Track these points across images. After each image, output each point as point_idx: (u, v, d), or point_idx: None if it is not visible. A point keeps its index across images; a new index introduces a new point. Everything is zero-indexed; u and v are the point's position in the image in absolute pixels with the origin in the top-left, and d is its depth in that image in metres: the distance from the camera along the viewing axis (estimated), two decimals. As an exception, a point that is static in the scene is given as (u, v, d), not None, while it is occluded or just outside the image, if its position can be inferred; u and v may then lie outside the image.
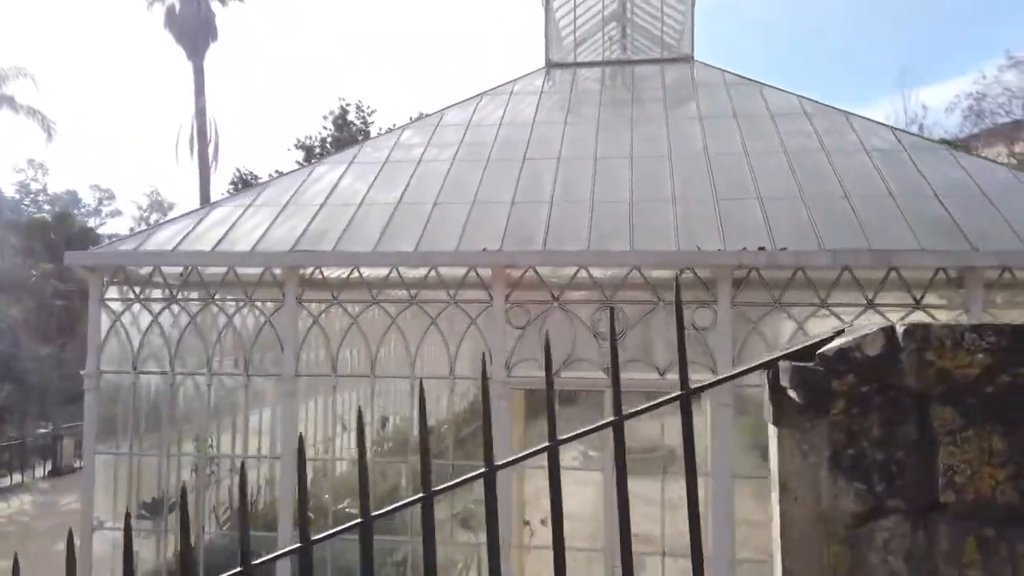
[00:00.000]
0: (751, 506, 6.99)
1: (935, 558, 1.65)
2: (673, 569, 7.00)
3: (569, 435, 1.86)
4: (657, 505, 7.27)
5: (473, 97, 10.58)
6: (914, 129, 23.16)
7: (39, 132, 31.24)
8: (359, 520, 1.62)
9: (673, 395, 1.85)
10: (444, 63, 74.59)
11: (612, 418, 1.87)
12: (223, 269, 7.53)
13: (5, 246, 31.96)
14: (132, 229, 56.69)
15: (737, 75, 10.25)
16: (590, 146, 8.90)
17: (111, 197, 56.81)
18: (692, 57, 11.04)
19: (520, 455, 1.87)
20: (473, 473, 1.76)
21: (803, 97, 9.43)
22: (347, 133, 29.27)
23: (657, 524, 7.25)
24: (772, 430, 1.89)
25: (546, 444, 1.77)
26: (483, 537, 7.44)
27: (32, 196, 51.53)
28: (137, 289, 7.73)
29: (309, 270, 7.49)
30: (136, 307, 7.74)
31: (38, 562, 10.65)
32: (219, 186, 34.55)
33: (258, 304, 7.52)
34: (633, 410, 1.91)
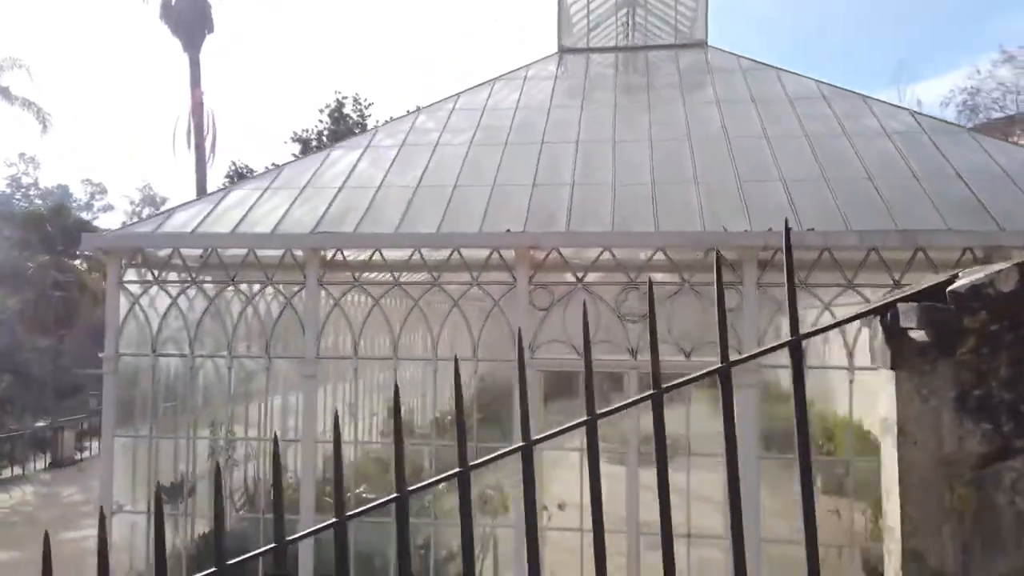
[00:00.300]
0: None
1: (1065, 498, 1.63)
2: (695, 551, 7.00)
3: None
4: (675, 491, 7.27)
5: (487, 82, 10.52)
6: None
7: (34, 124, 31.01)
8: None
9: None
10: (442, 62, 74.38)
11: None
12: (243, 251, 7.47)
13: (1, 238, 31.77)
14: (124, 224, 56.39)
15: (753, 60, 10.23)
16: (607, 130, 8.86)
17: (103, 192, 56.47)
18: (706, 43, 11.01)
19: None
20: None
21: (820, 82, 9.41)
22: (343, 126, 29.10)
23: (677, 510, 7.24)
24: (886, 375, 1.87)
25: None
26: (498, 520, 7.42)
27: (23, 191, 51.19)
28: (155, 272, 7.65)
29: (330, 252, 7.43)
30: (153, 290, 7.68)
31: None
32: (215, 180, 34.37)
33: (278, 286, 7.46)
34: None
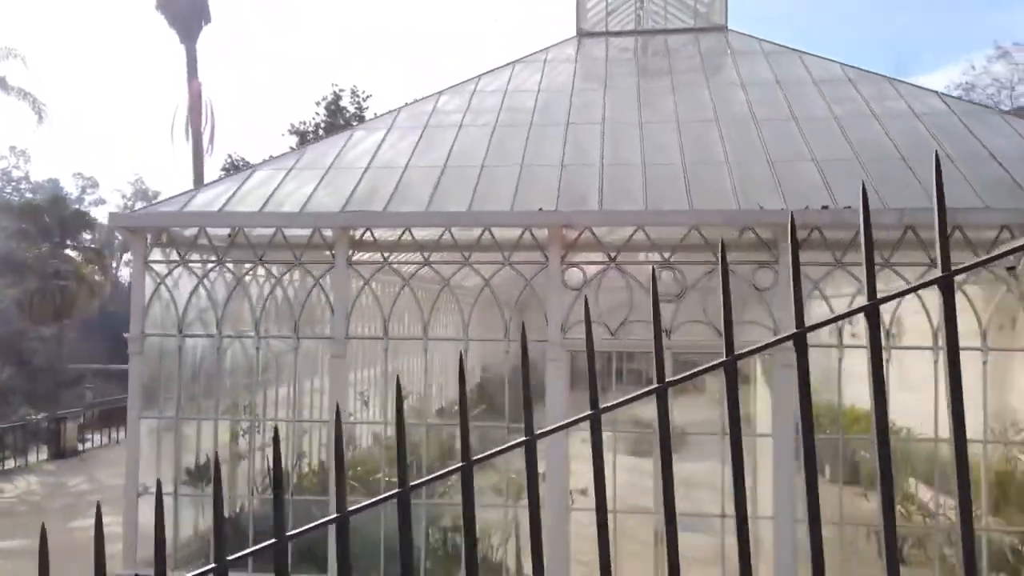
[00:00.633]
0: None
1: None
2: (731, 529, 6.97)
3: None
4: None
5: (506, 65, 10.45)
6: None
7: (30, 115, 30.73)
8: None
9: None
10: (442, 61, 74.03)
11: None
12: (270, 231, 7.39)
13: (-1, 229, 31.47)
14: (127, 207, 55.98)
15: (774, 44, 10.18)
16: (632, 112, 8.80)
17: (94, 185, 56.08)
18: (726, 26, 10.95)
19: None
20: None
21: (844, 64, 9.37)
22: (341, 119, 28.76)
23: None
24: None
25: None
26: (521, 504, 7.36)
27: (14, 184, 50.83)
28: (180, 252, 7.56)
29: (359, 232, 7.36)
30: (177, 271, 7.58)
31: (55, 539, 10.48)
32: (211, 172, 34.13)
33: (307, 266, 7.38)
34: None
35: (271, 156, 22.42)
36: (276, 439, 1.38)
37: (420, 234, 7.28)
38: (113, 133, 77.33)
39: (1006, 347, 6.88)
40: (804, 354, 1.56)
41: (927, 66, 62.48)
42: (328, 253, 7.36)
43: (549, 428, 1.55)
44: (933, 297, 6.89)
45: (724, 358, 1.53)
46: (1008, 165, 7.07)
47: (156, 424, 7.55)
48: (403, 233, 7.30)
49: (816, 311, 6.80)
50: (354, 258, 7.37)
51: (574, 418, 1.53)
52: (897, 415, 7.07)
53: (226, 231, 7.46)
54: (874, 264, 1.69)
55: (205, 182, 30.59)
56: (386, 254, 7.35)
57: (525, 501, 6.57)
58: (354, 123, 26.88)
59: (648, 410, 8.01)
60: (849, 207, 6.57)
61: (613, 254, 7.03)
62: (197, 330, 7.51)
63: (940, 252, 1.83)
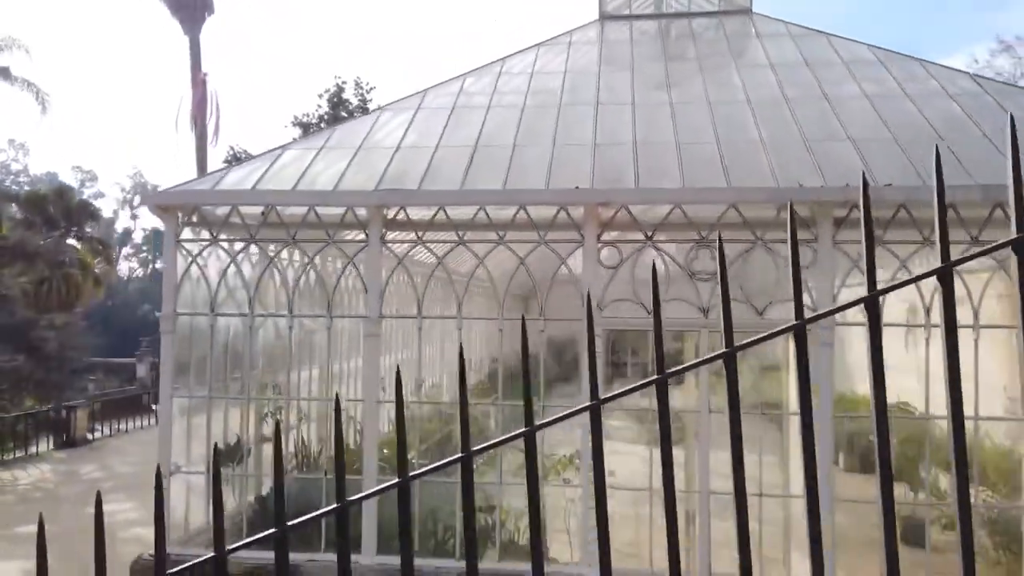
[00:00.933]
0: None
1: None
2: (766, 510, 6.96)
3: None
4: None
5: (530, 47, 10.39)
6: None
7: (33, 105, 30.58)
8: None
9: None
10: (442, 61, 73.84)
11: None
12: (302, 209, 7.34)
13: (4, 219, 31.34)
14: (115, 211, 55.84)
15: (801, 26, 10.12)
16: (661, 92, 8.75)
17: (93, 179, 55.98)
18: (750, 9, 10.89)
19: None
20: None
21: (873, 46, 9.32)
22: (344, 111, 28.53)
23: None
24: None
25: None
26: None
27: (13, 177, 50.75)
28: (212, 231, 7.51)
29: (393, 211, 7.31)
30: (207, 250, 7.53)
31: (73, 525, 10.49)
32: (214, 164, 34.00)
33: (340, 245, 7.34)
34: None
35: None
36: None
37: (454, 213, 7.23)
38: (112, 126, 77.12)
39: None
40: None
41: (929, 59, 62.24)
42: (361, 232, 7.31)
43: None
44: (962, 281, 6.85)
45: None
46: (1047, 144, 7.02)
47: (187, 403, 7.51)
48: (436, 212, 7.25)
49: (860, 288, 6.76)
50: (387, 237, 7.32)
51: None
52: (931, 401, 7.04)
53: (258, 210, 7.41)
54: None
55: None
56: (420, 233, 7.30)
57: (553, 482, 6.53)
58: (357, 115, 26.71)
59: (687, 396, 7.98)
60: (890, 184, 6.53)
61: (650, 232, 6.99)
62: (229, 309, 7.47)
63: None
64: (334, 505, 1.29)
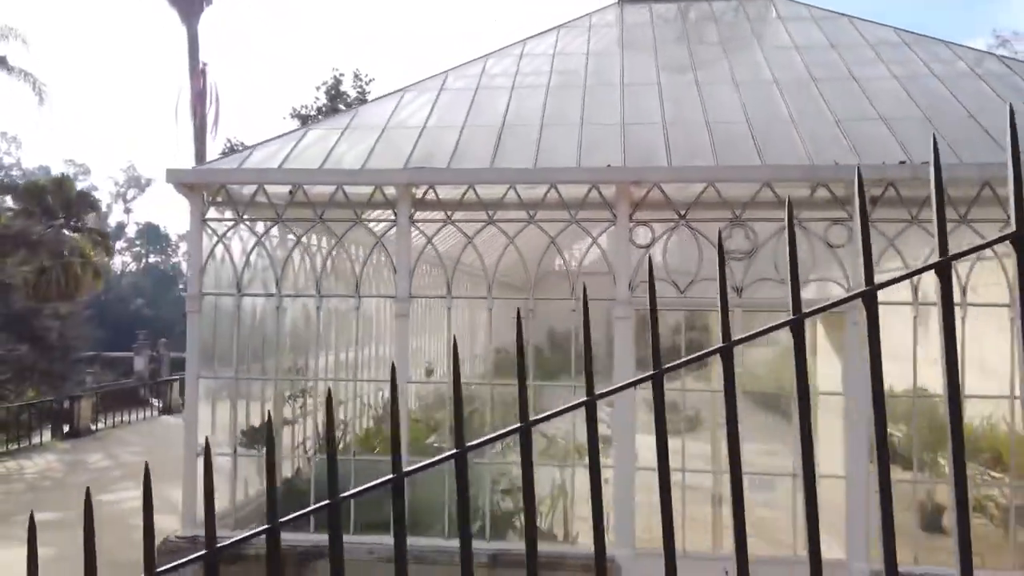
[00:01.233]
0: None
1: None
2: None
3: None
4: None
5: (551, 29, 10.31)
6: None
7: (30, 96, 30.31)
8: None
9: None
10: (442, 61, 73.70)
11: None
12: (330, 188, 7.25)
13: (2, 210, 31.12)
14: (109, 205, 55.48)
15: (823, 9, 10.06)
16: (687, 73, 8.69)
17: (86, 172, 55.63)
18: (772, -8, 10.82)
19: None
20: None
21: (897, 28, 9.27)
22: (342, 104, 28.34)
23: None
24: None
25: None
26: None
27: (5, 170, 50.45)
28: (238, 210, 7.42)
29: (422, 190, 7.23)
30: (232, 230, 7.44)
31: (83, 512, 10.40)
32: (212, 157, 33.78)
33: (368, 225, 7.26)
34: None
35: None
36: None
37: (483, 192, 7.16)
38: (106, 119, 76.59)
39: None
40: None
41: (929, 52, 62.29)
42: (389, 212, 7.23)
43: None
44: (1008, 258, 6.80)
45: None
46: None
47: (213, 384, 7.43)
48: (466, 192, 7.17)
49: (894, 265, 6.71)
50: (416, 216, 7.25)
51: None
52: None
53: (284, 189, 7.32)
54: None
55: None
56: (449, 212, 7.22)
57: (573, 463, 6.45)
58: (355, 107, 26.48)
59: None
60: (927, 163, 6.47)
61: (682, 211, 6.93)
62: (256, 289, 7.38)
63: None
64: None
